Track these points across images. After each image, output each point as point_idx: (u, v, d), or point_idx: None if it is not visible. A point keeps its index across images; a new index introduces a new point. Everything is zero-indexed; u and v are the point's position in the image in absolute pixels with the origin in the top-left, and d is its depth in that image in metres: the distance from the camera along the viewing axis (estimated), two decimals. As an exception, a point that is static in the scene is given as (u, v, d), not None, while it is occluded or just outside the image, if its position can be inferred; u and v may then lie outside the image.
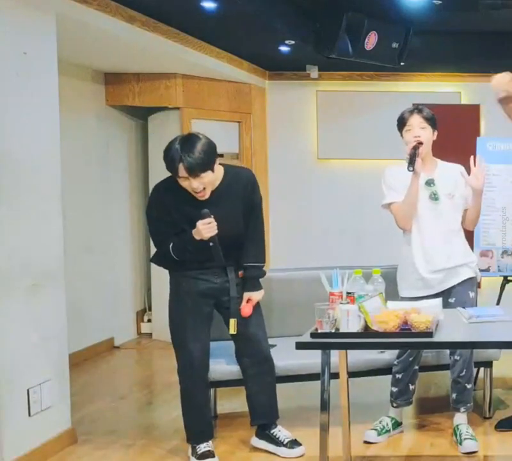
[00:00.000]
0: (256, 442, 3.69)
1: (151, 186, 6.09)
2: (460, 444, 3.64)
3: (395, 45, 5.38)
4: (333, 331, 2.89)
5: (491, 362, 4.09)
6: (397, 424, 3.87)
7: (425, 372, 4.09)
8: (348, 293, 3.05)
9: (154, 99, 5.79)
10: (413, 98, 6.25)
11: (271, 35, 4.98)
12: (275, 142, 6.77)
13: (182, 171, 3.22)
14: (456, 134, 5.80)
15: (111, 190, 5.91)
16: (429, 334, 2.84)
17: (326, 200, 6.72)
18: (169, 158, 3.24)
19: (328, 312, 2.89)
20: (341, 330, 2.89)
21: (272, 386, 3.69)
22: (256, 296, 3.55)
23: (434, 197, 3.67)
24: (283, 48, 5.43)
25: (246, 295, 3.53)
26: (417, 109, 3.71)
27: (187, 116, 5.89)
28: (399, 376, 3.83)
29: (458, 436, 3.68)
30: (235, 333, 3.51)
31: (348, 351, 3.31)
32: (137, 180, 6.26)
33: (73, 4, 3.80)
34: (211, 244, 3.32)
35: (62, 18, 3.70)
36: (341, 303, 2.97)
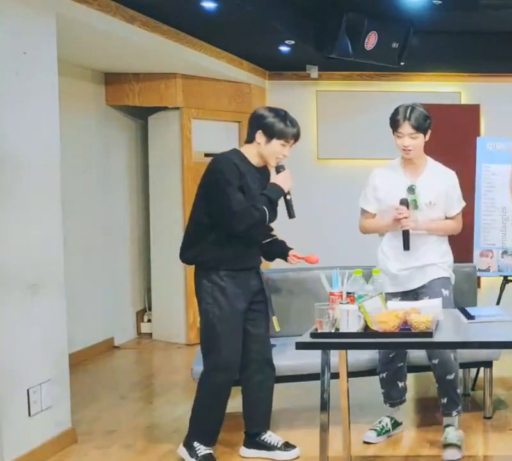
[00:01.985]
0: (246, 452, 3.63)
1: (151, 186, 6.15)
2: (443, 448, 3.57)
3: (395, 45, 5.38)
4: (333, 331, 2.89)
5: (491, 362, 4.09)
6: (396, 424, 3.86)
7: (424, 372, 4.09)
8: (348, 293, 3.05)
9: (154, 99, 5.79)
10: (413, 98, 6.20)
11: (271, 35, 4.98)
12: (275, 142, 6.76)
13: (294, 136, 3.53)
14: (455, 134, 5.81)
15: (111, 190, 5.91)
16: (429, 334, 2.84)
17: (326, 200, 6.72)
18: (287, 123, 3.51)
19: (327, 312, 2.89)
20: (341, 330, 2.89)
21: (271, 394, 3.66)
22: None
23: (413, 205, 3.64)
24: (283, 48, 5.43)
25: (292, 252, 3.81)
26: (409, 114, 3.61)
27: (187, 116, 5.89)
28: (383, 375, 3.82)
29: (444, 438, 3.62)
30: (279, 330, 3.56)
31: (348, 351, 3.32)
32: (137, 180, 6.26)
33: (73, 4, 3.80)
34: (288, 197, 3.49)
35: (62, 18, 3.70)
36: (341, 303, 2.97)
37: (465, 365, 4.25)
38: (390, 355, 3.77)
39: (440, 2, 4.56)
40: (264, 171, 3.58)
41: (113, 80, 5.78)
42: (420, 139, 3.65)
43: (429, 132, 3.69)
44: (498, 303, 4.54)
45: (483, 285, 5.72)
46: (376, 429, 3.78)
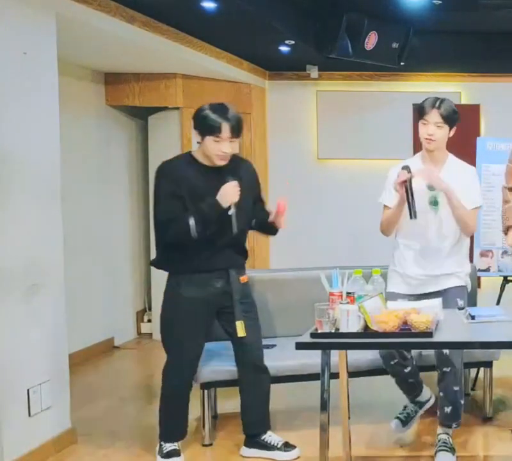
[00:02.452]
0: (247, 451, 3.64)
1: (151, 186, 6.14)
2: (435, 454, 3.54)
3: (395, 45, 5.39)
4: (333, 331, 2.89)
5: (491, 362, 4.09)
6: (421, 405, 3.82)
7: (427, 372, 4.08)
8: (348, 293, 3.05)
9: (154, 99, 5.79)
10: (413, 98, 6.24)
11: (271, 35, 4.98)
12: (275, 142, 6.77)
13: (226, 131, 3.28)
14: (456, 134, 5.79)
15: (111, 190, 5.91)
16: (429, 334, 2.84)
17: (326, 200, 6.73)
18: (212, 117, 3.30)
19: (327, 312, 2.89)
20: (341, 330, 2.89)
21: (266, 396, 3.65)
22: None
23: (433, 202, 3.58)
24: (283, 48, 5.43)
25: (271, 217, 3.62)
26: (438, 104, 3.55)
27: (187, 116, 5.87)
28: (394, 378, 3.77)
29: (436, 446, 3.57)
30: (244, 335, 3.49)
31: (348, 351, 3.31)
32: (137, 180, 6.26)
33: (73, 4, 3.80)
34: (230, 212, 3.30)
35: (62, 18, 3.70)
36: (341, 303, 2.97)
37: (465, 365, 4.24)
38: (391, 362, 3.69)
39: (440, 2, 4.56)
40: (224, 169, 3.40)
41: (113, 80, 5.78)
42: (445, 131, 3.58)
43: (455, 129, 3.63)
44: (498, 303, 4.54)
45: (483, 285, 5.72)
46: (400, 419, 3.75)
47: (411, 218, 3.45)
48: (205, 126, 3.32)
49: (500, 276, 4.73)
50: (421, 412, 3.84)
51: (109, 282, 5.85)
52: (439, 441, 3.58)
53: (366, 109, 6.61)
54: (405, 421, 3.77)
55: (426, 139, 3.58)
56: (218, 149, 3.31)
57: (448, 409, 3.58)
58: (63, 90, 3.83)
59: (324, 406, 3.02)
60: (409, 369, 3.73)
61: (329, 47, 5.03)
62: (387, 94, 6.56)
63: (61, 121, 3.74)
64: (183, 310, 3.43)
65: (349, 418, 3.40)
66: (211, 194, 3.30)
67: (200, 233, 3.29)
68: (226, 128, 3.29)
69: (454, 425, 3.63)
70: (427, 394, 3.88)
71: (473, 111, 6.53)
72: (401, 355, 3.67)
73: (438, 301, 3.17)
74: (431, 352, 3.73)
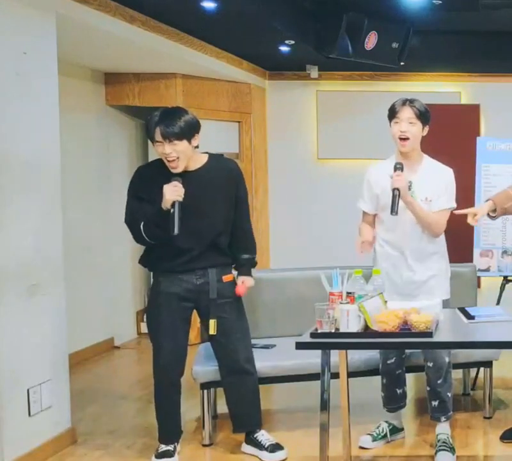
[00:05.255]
0: (245, 447, 3.68)
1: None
2: (435, 454, 3.53)
3: (395, 45, 5.38)
4: (333, 331, 2.89)
5: (491, 362, 4.09)
6: (396, 430, 3.82)
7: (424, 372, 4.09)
8: (348, 293, 3.05)
9: (154, 99, 5.78)
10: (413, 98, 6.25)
11: (271, 35, 4.98)
12: (275, 142, 6.77)
13: (157, 134, 3.26)
14: (455, 134, 5.81)
15: (111, 190, 5.90)
16: (429, 334, 2.84)
17: (326, 200, 6.72)
18: (150, 122, 3.29)
19: (327, 312, 2.89)
20: (341, 330, 2.89)
21: (251, 396, 3.64)
22: (249, 280, 3.60)
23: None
24: (283, 48, 5.43)
25: (240, 278, 3.59)
26: (409, 101, 3.52)
27: (187, 116, 5.88)
28: (384, 380, 3.79)
29: (436, 446, 3.57)
30: (214, 333, 3.50)
31: (348, 351, 3.31)
32: (137, 180, 6.25)
33: (73, 4, 3.80)
34: (172, 210, 3.24)
35: (62, 18, 3.70)
36: (341, 303, 2.97)
37: (465, 365, 4.25)
38: (388, 362, 3.73)
39: (440, 2, 4.55)
40: (193, 172, 3.41)
41: (113, 80, 5.78)
42: (418, 128, 3.50)
43: (427, 127, 3.55)
44: (498, 303, 4.54)
45: (483, 285, 5.72)
46: (372, 435, 3.74)
47: (391, 213, 3.45)
48: (148, 132, 3.35)
49: (500, 276, 4.73)
50: (390, 438, 3.78)
51: (109, 282, 5.85)
52: (439, 441, 3.58)
53: (366, 109, 6.60)
54: (376, 437, 3.75)
55: (400, 138, 3.50)
56: (162, 153, 3.32)
57: (435, 403, 3.65)
58: (63, 90, 3.83)
59: (324, 406, 3.02)
60: (400, 371, 3.77)
61: (329, 47, 5.03)
62: (387, 94, 6.54)
63: (61, 121, 3.74)
64: (160, 305, 3.47)
65: (348, 418, 3.40)
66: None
67: (150, 236, 3.36)
68: (157, 132, 3.27)
69: (443, 418, 3.65)
70: (402, 423, 3.89)
71: (473, 111, 6.53)
72: (398, 353, 3.72)
73: (438, 301, 3.18)
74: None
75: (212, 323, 3.49)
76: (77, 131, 5.40)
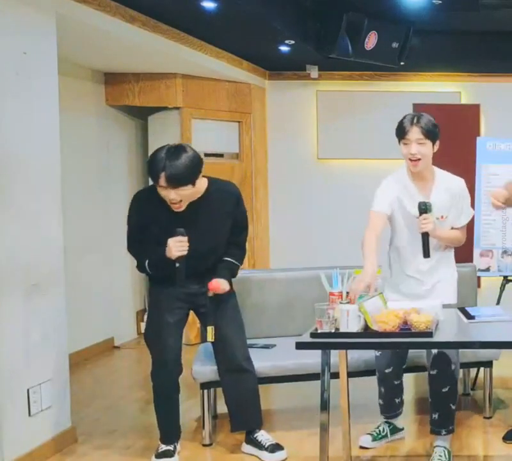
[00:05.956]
0: (245, 447, 3.67)
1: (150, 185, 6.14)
2: None
3: (395, 45, 5.39)
4: (333, 331, 2.89)
5: (491, 362, 4.09)
6: (395, 430, 3.81)
7: (424, 372, 4.08)
8: (348, 293, 3.05)
9: (154, 99, 5.79)
10: (413, 98, 6.26)
11: (271, 35, 4.98)
12: (275, 142, 6.77)
13: (162, 180, 3.19)
14: (456, 134, 5.80)
15: (111, 190, 5.90)
16: (429, 334, 2.84)
17: (326, 200, 6.72)
18: (153, 166, 3.21)
19: (327, 312, 2.89)
20: (341, 330, 2.89)
21: (249, 395, 3.64)
22: (223, 283, 3.47)
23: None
24: (283, 48, 5.43)
25: (214, 279, 3.46)
26: (417, 119, 3.41)
27: (187, 116, 5.89)
28: (381, 389, 3.76)
29: (432, 458, 3.46)
30: (212, 340, 3.51)
31: (348, 351, 3.31)
32: (137, 180, 6.26)
33: (73, 4, 3.80)
34: (177, 265, 3.28)
35: (62, 18, 3.70)
36: (341, 303, 2.97)
37: (465, 365, 4.25)
38: (386, 370, 3.69)
39: (440, 2, 4.56)
40: (195, 203, 3.37)
41: (113, 80, 5.78)
42: (429, 147, 3.42)
43: (438, 142, 3.47)
44: (498, 303, 4.54)
45: (483, 285, 5.72)
46: (372, 434, 3.73)
47: (424, 257, 3.42)
48: (148, 173, 3.29)
49: (500, 276, 4.73)
50: (390, 439, 3.78)
51: (109, 281, 5.85)
52: (435, 453, 3.48)
53: (366, 109, 6.61)
54: (376, 437, 3.74)
55: (410, 160, 3.43)
56: (165, 195, 3.26)
57: (435, 415, 3.52)
58: (63, 90, 3.83)
59: (324, 406, 3.02)
60: (399, 382, 3.75)
61: (329, 47, 5.03)
62: (387, 94, 6.56)
63: (61, 121, 3.74)
64: (160, 303, 3.49)
65: (348, 418, 3.40)
66: (177, 224, 3.29)
67: (156, 274, 3.43)
68: (162, 177, 3.19)
69: (443, 432, 3.51)
70: (401, 424, 3.88)
71: (473, 110, 6.53)
72: (399, 362, 3.67)
73: (438, 301, 3.18)
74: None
75: (210, 329, 3.49)
76: (77, 131, 5.40)
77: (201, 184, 3.40)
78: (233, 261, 3.57)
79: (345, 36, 4.99)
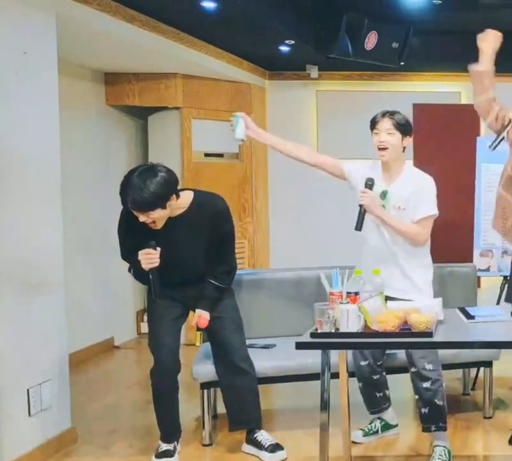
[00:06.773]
0: (245, 447, 3.68)
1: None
2: None
3: (395, 45, 5.39)
4: (333, 331, 2.89)
5: (491, 362, 4.09)
6: (388, 426, 3.83)
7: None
8: (348, 293, 3.05)
9: (154, 99, 5.79)
10: (413, 98, 6.24)
11: (271, 35, 4.98)
12: (275, 142, 6.76)
13: (130, 204, 3.24)
14: (456, 134, 5.81)
15: (111, 190, 5.87)
16: (429, 334, 2.84)
17: (326, 200, 6.72)
18: (122, 190, 3.26)
19: (327, 312, 2.89)
20: (341, 330, 2.89)
21: (248, 395, 3.64)
22: (206, 315, 3.52)
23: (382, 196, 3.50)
24: (283, 48, 5.43)
25: (198, 312, 3.51)
26: (389, 113, 3.52)
27: (187, 116, 5.89)
28: (359, 383, 3.78)
29: (432, 458, 3.46)
30: (199, 344, 3.63)
31: (348, 351, 3.31)
32: (137, 180, 6.25)
33: (73, 4, 3.81)
34: (150, 276, 3.32)
35: (62, 18, 3.70)
36: (341, 303, 2.97)
37: (465, 365, 4.25)
38: (361, 363, 3.70)
39: (440, 2, 4.56)
40: (177, 219, 3.40)
41: (113, 80, 5.78)
42: (397, 138, 3.49)
43: (408, 138, 3.54)
44: (498, 303, 4.54)
45: (483, 285, 5.72)
46: (363, 430, 3.77)
47: (355, 229, 3.52)
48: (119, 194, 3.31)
49: (500, 276, 4.73)
50: (383, 434, 3.80)
51: (109, 281, 5.84)
52: (435, 453, 3.48)
53: (366, 109, 6.57)
54: (367, 432, 3.77)
55: (378, 147, 3.52)
56: (137, 216, 3.28)
57: (425, 410, 3.50)
58: (63, 90, 3.83)
59: (324, 406, 3.02)
60: (378, 376, 3.75)
61: (329, 46, 5.03)
62: (387, 94, 6.56)
63: (61, 121, 3.74)
64: (157, 307, 3.51)
65: (348, 418, 3.40)
66: (155, 237, 3.32)
67: (142, 283, 3.48)
68: (129, 203, 3.24)
69: (433, 428, 3.49)
70: (395, 420, 3.89)
71: (473, 111, 6.51)
72: (374, 356, 3.68)
73: (438, 301, 3.17)
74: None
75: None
76: (77, 131, 5.40)
77: (184, 198, 3.40)
78: (218, 284, 3.53)
79: (345, 36, 4.99)
